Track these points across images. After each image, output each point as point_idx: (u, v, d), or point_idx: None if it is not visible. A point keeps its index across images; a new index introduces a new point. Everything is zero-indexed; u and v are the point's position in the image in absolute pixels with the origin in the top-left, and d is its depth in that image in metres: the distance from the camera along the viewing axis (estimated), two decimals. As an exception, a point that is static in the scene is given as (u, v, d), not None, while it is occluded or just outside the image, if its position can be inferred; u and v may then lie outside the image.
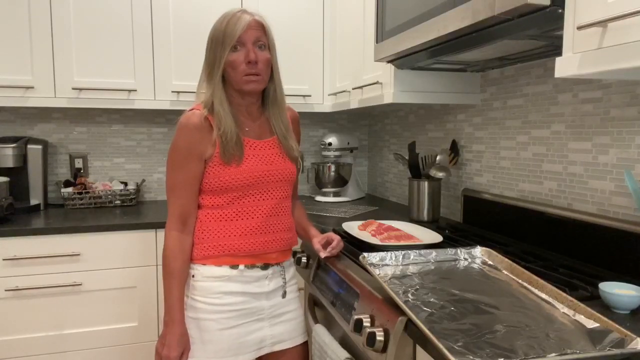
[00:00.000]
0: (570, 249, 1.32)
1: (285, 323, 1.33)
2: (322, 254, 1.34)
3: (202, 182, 1.25)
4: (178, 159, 1.22)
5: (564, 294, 0.94)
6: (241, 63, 1.20)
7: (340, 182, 2.53)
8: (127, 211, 2.20)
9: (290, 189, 1.34)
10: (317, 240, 1.37)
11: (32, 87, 2.03)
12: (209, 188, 1.24)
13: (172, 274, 1.22)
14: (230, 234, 1.25)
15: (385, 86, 1.73)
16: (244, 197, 1.25)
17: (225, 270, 1.24)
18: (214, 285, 1.23)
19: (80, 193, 2.27)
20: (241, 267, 1.25)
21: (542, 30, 1.05)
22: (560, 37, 0.93)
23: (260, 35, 1.23)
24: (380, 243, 1.33)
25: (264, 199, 1.27)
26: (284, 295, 1.33)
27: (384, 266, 1.17)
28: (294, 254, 1.58)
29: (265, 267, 1.28)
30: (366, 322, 1.02)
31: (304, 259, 1.55)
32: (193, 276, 1.25)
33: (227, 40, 1.20)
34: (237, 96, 1.27)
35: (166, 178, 1.26)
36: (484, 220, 1.69)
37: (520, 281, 1.06)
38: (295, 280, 1.39)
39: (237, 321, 1.24)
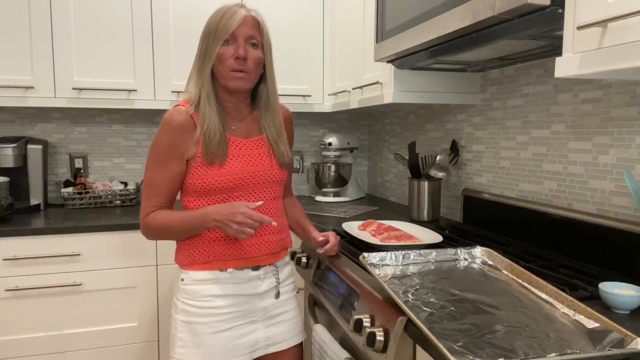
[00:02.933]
0: (570, 249, 1.32)
1: (280, 324, 1.31)
2: (320, 250, 1.32)
3: (186, 183, 1.22)
4: (159, 157, 1.20)
5: (564, 294, 0.94)
6: (229, 57, 1.17)
7: (340, 182, 2.53)
8: (127, 211, 2.20)
9: (279, 190, 1.31)
10: (318, 235, 1.35)
11: (32, 87, 2.03)
12: (193, 189, 1.21)
13: (164, 224, 1.18)
14: (216, 238, 1.22)
15: (385, 86, 1.73)
16: (229, 200, 1.22)
17: (214, 273, 1.22)
18: (204, 288, 1.21)
19: (80, 193, 2.27)
20: (230, 269, 1.23)
21: (542, 30, 1.05)
22: (560, 37, 0.93)
23: (255, 33, 1.19)
24: (380, 243, 1.33)
25: (250, 201, 1.23)
26: (277, 295, 1.30)
27: (384, 266, 1.17)
28: (294, 254, 1.58)
29: (256, 268, 1.26)
30: (366, 322, 1.02)
31: (304, 259, 1.55)
32: (182, 280, 1.23)
33: (220, 33, 1.17)
34: (224, 92, 1.23)
35: (145, 175, 1.22)
36: (484, 220, 1.69)
37: (520, 281, 1.06)
38: (291, 280, 1.36)
39: (229, 324, 1.22)
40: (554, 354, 0.75)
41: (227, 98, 1.24)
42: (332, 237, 1.34)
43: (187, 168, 1.21)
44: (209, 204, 1.21)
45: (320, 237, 1.34)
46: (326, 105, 2.43)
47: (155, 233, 1.22)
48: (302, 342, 1.37)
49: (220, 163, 1.19)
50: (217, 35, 1.17)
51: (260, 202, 1.16)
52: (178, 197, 1.27)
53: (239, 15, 1.17)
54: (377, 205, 2.34)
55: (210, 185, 1.20)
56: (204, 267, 1.22)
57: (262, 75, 1.26)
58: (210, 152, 1.18)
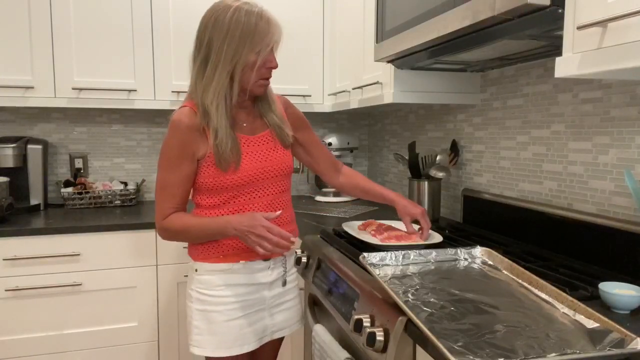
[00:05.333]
0: (570, 249, 1.32)
1: (284, 312, 1.37)
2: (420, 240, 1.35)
3: (197, 182, 1.25)
4: (171, 159, 1.21)
5: (564, 294, 0.94)
6: (262, 67, 1.20)
7: (340, 182, 2.53)
8: (127, 211, 2.20)
9: (287, 183, 1.35)
10: (407, 220, 1.40)
11: (32, 87, 2.03)
12: (205, 187, 1.24)
13: (184, 229, 1.21)
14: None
15: (385, 86, 1.73)
16: (240, 196, 1.26)
17: (227, 265, 1.26)
18: (217, 278, 1.26)
19: (80, 193, 2.27)
20: (243, 261, 1.27)
21: (542, 30, 1.05)
22: (560, 37, 0.93)
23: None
24: (380, 243, 1.33)
25: (260, 196, 1.28)
26: (284, 283, 1.36)
27: (384, 266, 1.17)
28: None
29: (267, 259, 1.31)
30: (366, 322, 1.02)
31: (304, 259, 1.55)
32: (196, 270, 1.28)
33: (259, 42, 1.16)
34: (240, 94, 1.25)
35: (157, 177, 1.24)
36: (484, 220, 1.69)
37: (520, 281, 1.06)
38: (295, 269, 1.43)
39: (241, 312, 1.27)
40: (554, 354, 0.75)
41: (238, 99, 1.25)
42: (423, 222, 1.38)
43: (198, 167, 1.23)
44: (221, 200, 1.25)
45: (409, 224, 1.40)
46: (326, 105, 2.43)
47: (173, 236, 1.25)
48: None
49: (235, 167, 1.22)
50: (255, 43, 1.16)
51: (279, 212, 1.22)
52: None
53: (277, 27, 1.19)
54: (377, 205, 2.34)
55: (223, 184, 1.23)
56: (217, 260, 1.26)
57: None
58: (224, 160, 1.20)
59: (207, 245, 1.26)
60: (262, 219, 1.15)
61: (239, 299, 1.27)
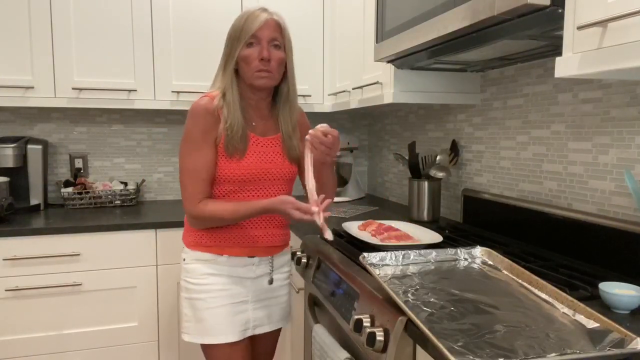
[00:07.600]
0: (570, 249, 1.32)
1: (266, 308, 1.40)
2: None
3: None
4: (196, 143, 1.25)
5: (564, 294, 0.94)
6: (255, 59, 1.24)
7: (340, 182, 2.53)
8: (127, 211, 2.20)
9: (289, 188, 1.39)
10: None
11: (32, 87, 2.03)
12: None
13: (225, 211, 1.24)
14: (224, 225, 1.30)
15: (385, 86, 1.73)
16: (240, 192, 1.30)
17: (212, 255, 1.31)
18: (202, 267, 1.31)
19: (80, 193, 2.27)
20: (226, 255, 1.32)
21: (542, 30, 1.05)
22: (560, 37, 0.93)
23: (277, 35, 1.27)
24: (380, 243, 1.33)
25: (260, 196, 1.32)
26: (270, 282, 1.39)
27: (384, 266, 1.17)
28: (294, 254, 1.58)
29: (251, 256, 1.35)
30: (366, 322, 1.02)
31: (304, 259, 1.55)
32: (184, 259, 1.34)
33: (242, 35, 1.24)
34: (248, 90, 1.31)
35: (182, 164, 1.27)
36: (484, 220, 1.69)
37: (520, 281, 1.06)
38: (286, 268, 1.46)
39: (223, 301, 1.31)
40: (554, 354, 0.75)
41: (250, 96, 1.32)
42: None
43: None
44: (222, 192, 1.30)
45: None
46: (326, 105, 2.43)
47: (210, 218, 1.26)
48: (281, 328, 1.47)
49: (240, 157, 1.27)
50: (240, 38, 1.25)
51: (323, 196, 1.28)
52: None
53: (261, 19, 1.24)
54: (377, 205, 2.34)
55: (227, 177, 1.27)
56: (203, 250, 1.31)
57: (284, 74, 1.33)
58: (231, 146, 1.26)
59: (200, 233, 1.31)
60: (288, 201, 1.21)
61: (220, 288, 1.31)
